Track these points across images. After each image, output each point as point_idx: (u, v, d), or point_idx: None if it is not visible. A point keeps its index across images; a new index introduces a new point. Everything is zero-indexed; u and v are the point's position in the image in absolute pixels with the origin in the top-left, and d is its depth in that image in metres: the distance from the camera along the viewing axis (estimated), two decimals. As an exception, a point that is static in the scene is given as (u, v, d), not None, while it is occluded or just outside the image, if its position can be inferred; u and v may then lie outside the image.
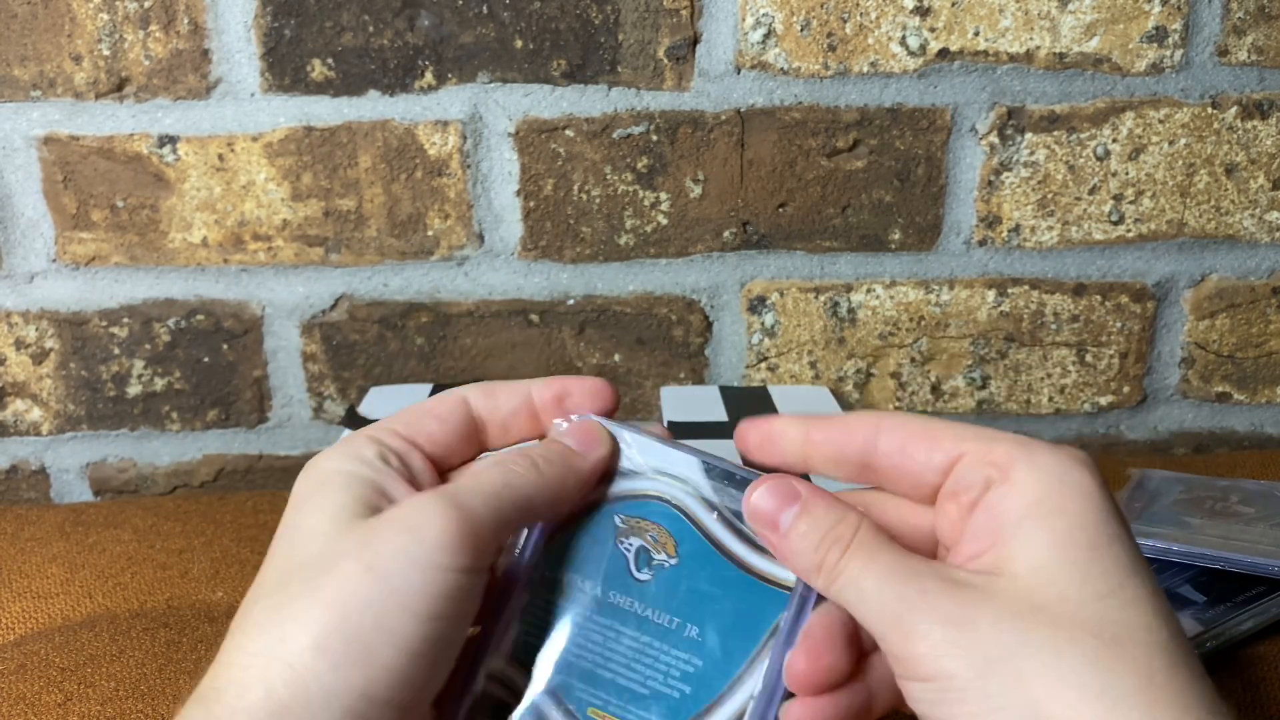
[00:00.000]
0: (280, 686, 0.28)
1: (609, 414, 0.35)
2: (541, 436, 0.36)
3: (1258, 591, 0.51)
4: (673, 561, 0.33)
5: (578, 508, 0.34)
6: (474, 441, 0.36)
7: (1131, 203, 0.70)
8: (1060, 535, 0.28)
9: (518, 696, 0.33)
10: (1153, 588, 0.28)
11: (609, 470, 0.35)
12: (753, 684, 0.32)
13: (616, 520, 0.34)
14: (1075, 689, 0.26)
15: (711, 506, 0.33)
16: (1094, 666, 0.26)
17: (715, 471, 0.34)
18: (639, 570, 0.33)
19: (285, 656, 0.28)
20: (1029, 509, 0.29)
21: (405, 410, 0.35)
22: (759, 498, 0.32)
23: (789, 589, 0.32)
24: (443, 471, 0.35)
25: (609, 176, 0.69)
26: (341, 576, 0.29)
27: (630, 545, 0.34)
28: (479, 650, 0.33)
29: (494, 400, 0.36)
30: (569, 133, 0.68)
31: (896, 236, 0.71)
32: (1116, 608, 0.27)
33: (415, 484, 0.33)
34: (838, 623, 0.31)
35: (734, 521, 0.33)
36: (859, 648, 0.32)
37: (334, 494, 0.31)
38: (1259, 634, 0.50)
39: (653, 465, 0.34)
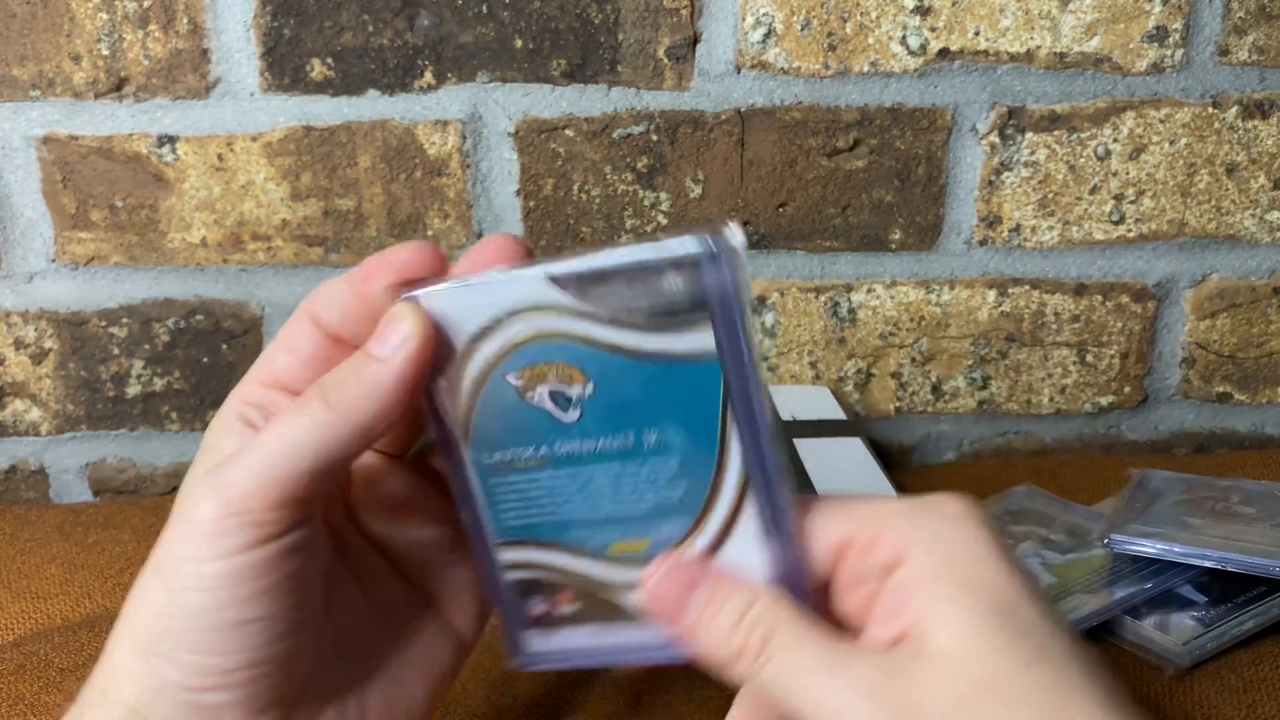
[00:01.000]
0: (134, 699, 0.29)
1: (436, 273, 0.32)
2: None
3: (1259, 592, 0.51)
4: (589, 388, 0.31)
5: (459, 388, 0.32)
6: (341, 350, 0.32)
7: (1132, 203, 0.70)
8: (975, 607, 0.27)
9: (539, 569, 0.33)
10: (1072, 640, 0.28)
11: (449, 345, 0.31)
12: (737, 461, 0.31)
13: (510, 380, 0.31)
14: None
15: (582, 314, 0.30)
16: None
17: (564, 279, 0.30)
18: (565, 412, 0.32)
19: (126, 671, 0.30)
20: (936, 586, 0.28)
21: (265, 354, 0.34)
22: (657, 586, 0.31)
23: (713, 356, 0.30)
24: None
25: (609, 176, 0.69)
26: (139, 588, 0.30)
27: (540, 395, 0.31)
28: (479, 554, 0.33)
29: (332, 306, 0.32)
30: (569, 132, 0.68)
31: (897, 236, 0.71)
32: (1048, 673, 0.27)
33: None
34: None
35: (616, 318, 0.30)
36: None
37: (199, 468, 0.32)
38: (1260, 632, 0.50)
39: (505, 307, 0.31)
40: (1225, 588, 0.51)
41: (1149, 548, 0.52)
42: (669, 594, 0.31)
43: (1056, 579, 0.53)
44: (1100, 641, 0.50)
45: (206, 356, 0.72)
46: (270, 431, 0.30)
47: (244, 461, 0.29)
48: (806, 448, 0.61)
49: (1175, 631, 0.49)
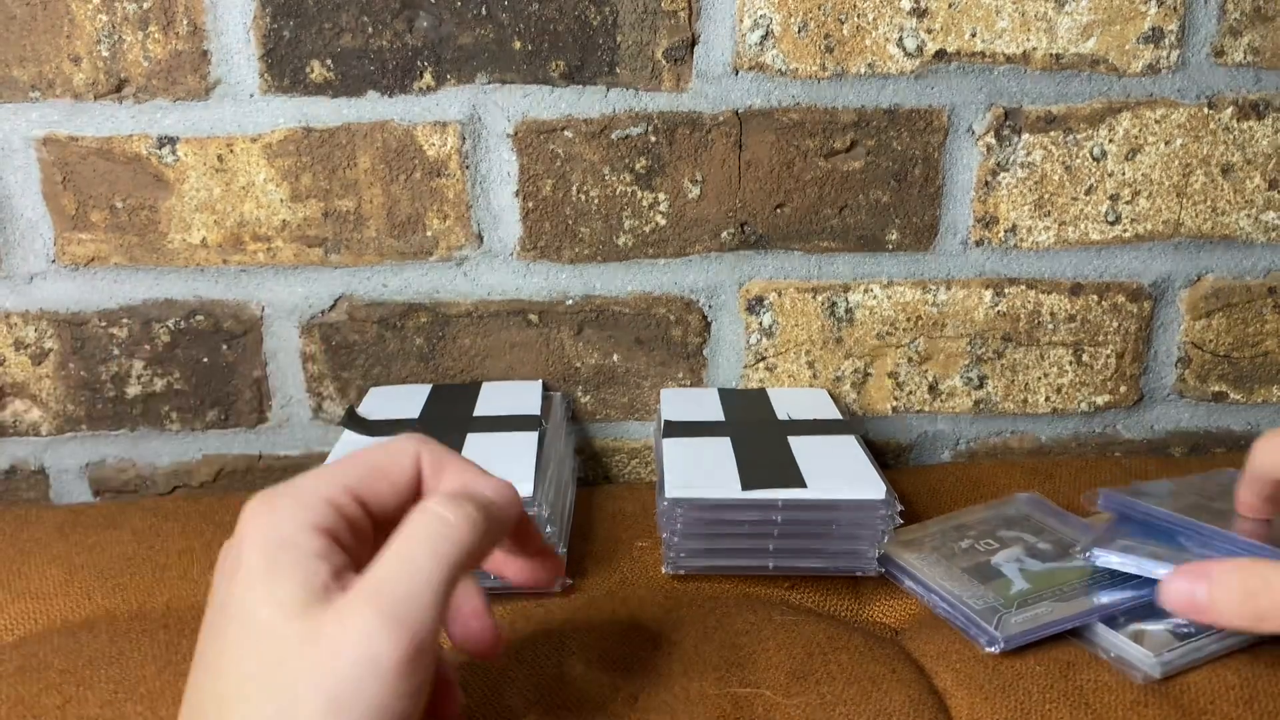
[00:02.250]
0: None
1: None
2: None
3: None
4: None
5: None
6: (413, 500, 0.37)
7: (1128, 203, 0.70)
8: None
9: None
10: None
11: None
12: None
13: None
14: None
15: None
16: None
17: None
18: None
19: None
20: None
21: (361, 463, 0.36)
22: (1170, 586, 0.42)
23: None
24: (380, 521, 0.36)
25: (607, 177, 0.69)
26: (308, 708, 0.29)
27: None
28: None
29: (439, 475, 0.37)
30: (567, 133, 0.68)
31: (894, 237, 0.71)
32: None
33: (358, 556, 0.34)
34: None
35: None
36: None
37: (287, 579, 0.31)
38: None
39: None
40: None
41: (1128, 564, 0.52)
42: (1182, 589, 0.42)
43: (1029, 585, 0.53)
44: (1074, 648, 0.50)
45: (206, 357, 0.72)
46: (431, 560, 0.32)
47: (419, 595, 0.31)
48: (801, 445, 0.61)
49: (1150, 643, 0.49)
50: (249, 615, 0.31)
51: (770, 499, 0.55)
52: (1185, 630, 0.49)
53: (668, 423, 0.65)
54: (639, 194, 0.69)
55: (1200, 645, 0.49)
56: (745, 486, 0.55)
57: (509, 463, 0.58)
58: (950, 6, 0.66)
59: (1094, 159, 0.69)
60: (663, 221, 0.70)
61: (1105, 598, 0.52)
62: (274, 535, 0.33)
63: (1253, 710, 0.45)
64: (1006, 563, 0.56)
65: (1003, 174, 0.70)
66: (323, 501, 0.34)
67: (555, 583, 0.41)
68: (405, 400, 0.69)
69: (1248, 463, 0.50)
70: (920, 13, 0.66)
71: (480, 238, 0.70)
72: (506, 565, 0.41)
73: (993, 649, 0.49)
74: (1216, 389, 0.75)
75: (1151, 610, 0.51)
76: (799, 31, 0.66)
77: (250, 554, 0.32)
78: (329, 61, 0.66)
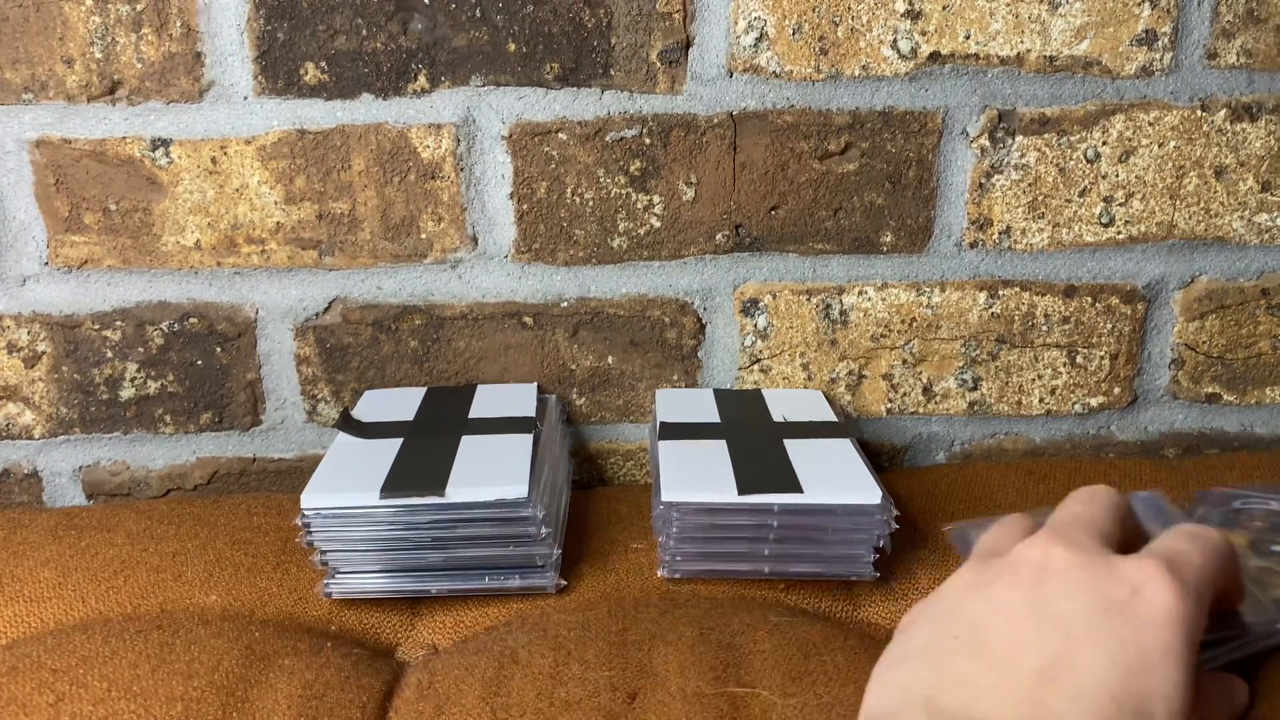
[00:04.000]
0: None
1: None
2: None
3: (1225, 635, 0.48)
4: None
5: None
6: None
7: (1121, 205, 0.71)
8: None
9: None
10: None
11: None
12: None
13: None
14: None
15: None
16: None
17: None
18: None
19: None
20: None
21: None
22: None
23: None
24: None
25: (602, 179, 0.69)
26: None
27: None
28: None
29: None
30: (562, 136, 0.68)
31: (888, 239, 0.71)
32: None
33: None
34: None
35: None
36: None
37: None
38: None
39: None
40: None
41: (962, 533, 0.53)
42: None
43: None
44: None
45: (200, 359, 0.72)
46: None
47: None
48: (796, 448, 0.61)
49: None
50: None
51: (766, 503, 0.55)
52: None
53: (663, 424, 0.65)
54: (634, 196, 0.69)
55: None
56: (742, 491, 0.55)
57: (504, 465, 0.58)
58: (944, 9, 0.66)
59: (1088, 161, 0.70)
60: (657, 224, 0.70)
61: None
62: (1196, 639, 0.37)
63: (1251, 711, 0.45)
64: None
65: (997, 176, 0.70)
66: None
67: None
68: (400, 403, 0.69)
69: None
70: (914, 15, 0.66)
71: (475, 240, 0.70)
72: None
73: None
74: (1210, 390, 0.75)
75: None
76: (793, 34, 0.66)
77: (1181, 637, 0.36)
78: (323, 64, 0.66)
